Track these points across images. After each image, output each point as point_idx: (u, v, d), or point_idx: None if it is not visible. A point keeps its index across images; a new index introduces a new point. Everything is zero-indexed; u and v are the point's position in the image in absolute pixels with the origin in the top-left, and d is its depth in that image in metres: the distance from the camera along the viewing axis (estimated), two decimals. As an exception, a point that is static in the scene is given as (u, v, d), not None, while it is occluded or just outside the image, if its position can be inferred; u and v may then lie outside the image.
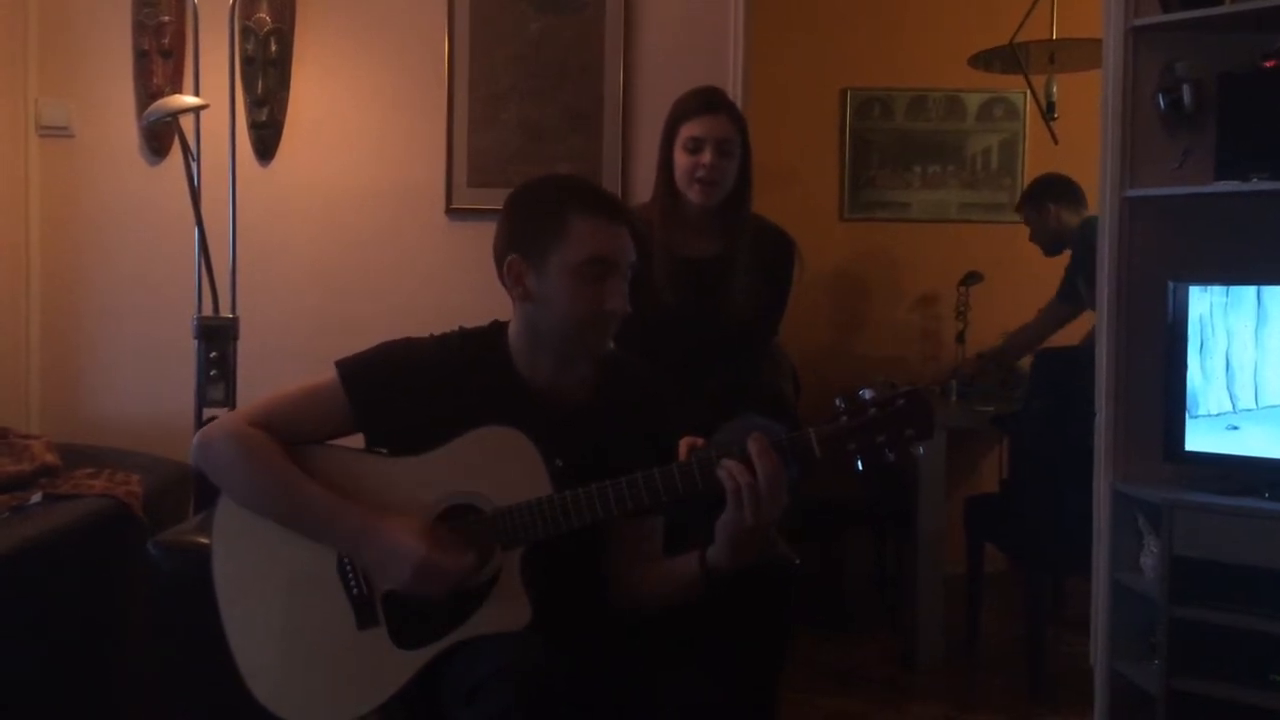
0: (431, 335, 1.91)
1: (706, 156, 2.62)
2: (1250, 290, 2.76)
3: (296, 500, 1.78)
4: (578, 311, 1.78)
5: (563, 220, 1.76)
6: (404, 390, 1.82)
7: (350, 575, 1.77)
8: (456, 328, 1.93)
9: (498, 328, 1.91)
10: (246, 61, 3.42)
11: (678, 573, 1.81)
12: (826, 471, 1.72)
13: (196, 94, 3.22)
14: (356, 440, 1.87)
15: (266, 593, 1.81)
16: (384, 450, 1.84)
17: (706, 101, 2.67)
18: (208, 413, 3.07)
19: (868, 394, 1.67)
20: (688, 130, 2.64)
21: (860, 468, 1.66)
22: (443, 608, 1.73)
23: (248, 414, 1.85)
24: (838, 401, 1.68)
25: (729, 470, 1.66)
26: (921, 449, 1.67)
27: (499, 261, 1.83)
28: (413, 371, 1.83)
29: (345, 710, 1.75)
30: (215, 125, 3.28)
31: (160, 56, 3.46)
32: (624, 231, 1.80)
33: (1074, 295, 4.04)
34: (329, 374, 1.84)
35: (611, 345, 1.91)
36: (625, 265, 1.81)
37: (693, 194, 2.65)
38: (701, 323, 2.64)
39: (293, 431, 1.82)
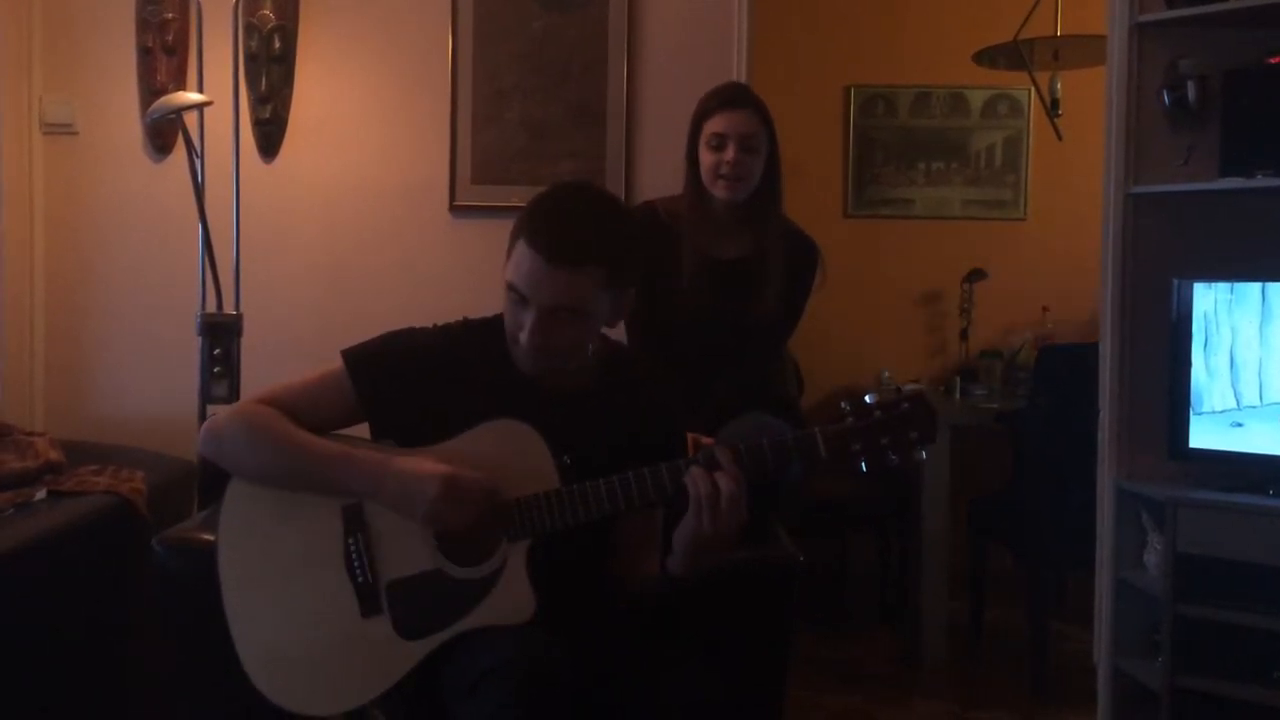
0: (435, 325, 1.92)
1: (729, 153, 2.58)
2: (1255, 287, 2.76)
3: (309, 454, 1.78)
4: (508, 327, 1.80)
5: (515, 239, 1.75)
6: (409, 378, 1.83)
7: (355, 563, 1.77)
8: (461, 318, 1.93)
9: (501, 319, 1.91)
10: (250, 58, 3.42)
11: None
12: (831, 471, 1.73)
13: (200, 91, 3.23)
14: (363, 430, 1.87)
15: (269, 582, 1.81)
16: (391, 441, 1.84)
17: (730, 97, 2.64)
18: (211, 409, 3.08)
19: (872, 398, 1.70)
20: (711, 127, 2.61)
21: (864, 469, 1.68)
22: (446, 598, 1.73)
23: (254, 398, 1.86)
24: (843, 404, 1.71)
25: (693, 477, 1.68)
26: (924, 453, 1.69)
27: None
28: (417, 360, 1.84)
29: (345, 699, 1.76)
30: (219, 122, 3.29)
31: (164, 53, 3.47)
32: (556, 277, 1.71)
33: None
34: (335, 363, 1.85)
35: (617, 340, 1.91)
36: (539, 304, 1.73)
37: (717, 190, 2.62)
38: (723, 323, 2.63)
39: (299, 420, 1.82)
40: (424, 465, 1.73)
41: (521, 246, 1.73)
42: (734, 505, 1.67)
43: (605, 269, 1.74)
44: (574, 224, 1.76)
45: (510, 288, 1.75)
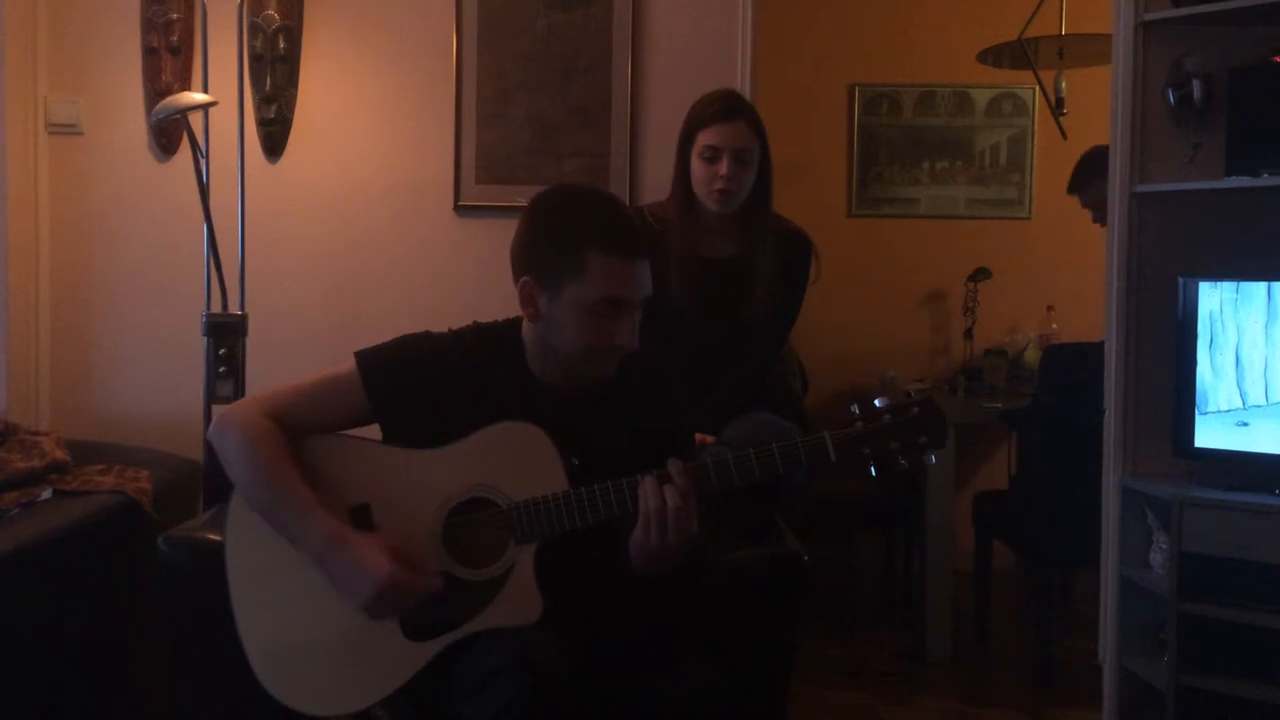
0: (450, 330, 1.91)
1: (723, 167, 2.55)
2: (1260, 286, 2.75)
3: (283, 500, 1.77)
4: (585, 343, 1.78)
5: (581, 256, 1.74)
6: (421, 383, 1.82)
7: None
8: (471, 323, 1.93)
9: (513, 324, 1.91)
10: (255, 58, 3.43)
11: None
12: (838, 469, 1.74)
13: (205, 91, 3.23)
14: (373, 431, 1.87)
15: (278, 582, 1.81)
16: (402, 443, 1.84)
17: (725, 108, 2.59)
18: (216, 409, 3.08)
19: (881, 402, 1.70)
20: (705, 138, 2.57)
21: (874, 473, 1.69)
22: (453, 600, 1.73)
23: (266, 402, 1.84)
24: (853, 407, 1.72)
25: (644, 490, 1.69)
26: (933, 457, 1.70)
27: (514, 274, 1.82)
28: (431, 365, 1.84)
29: (352, 700, 1.76)
30: (224, 122, 3.29)
31: (169, 54, 3.47)
32: (642, 269, 1.78)
33: None
34: (347, 364, 1.84)
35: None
36: (639, 302, 1.80)
37: (709, 203, 2.59)
38: (718, 322, 2.63)
39: (310, 421, 1.83)
40: (371, 555, 1.70)
41: (598, 259, 1.73)
42: (680, 519, 1.68)
43: None
44: (628, 220, 1.84)
45: (601, 303, 1.74)
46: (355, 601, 1.71)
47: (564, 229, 1.78)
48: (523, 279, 1.80)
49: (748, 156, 2.58)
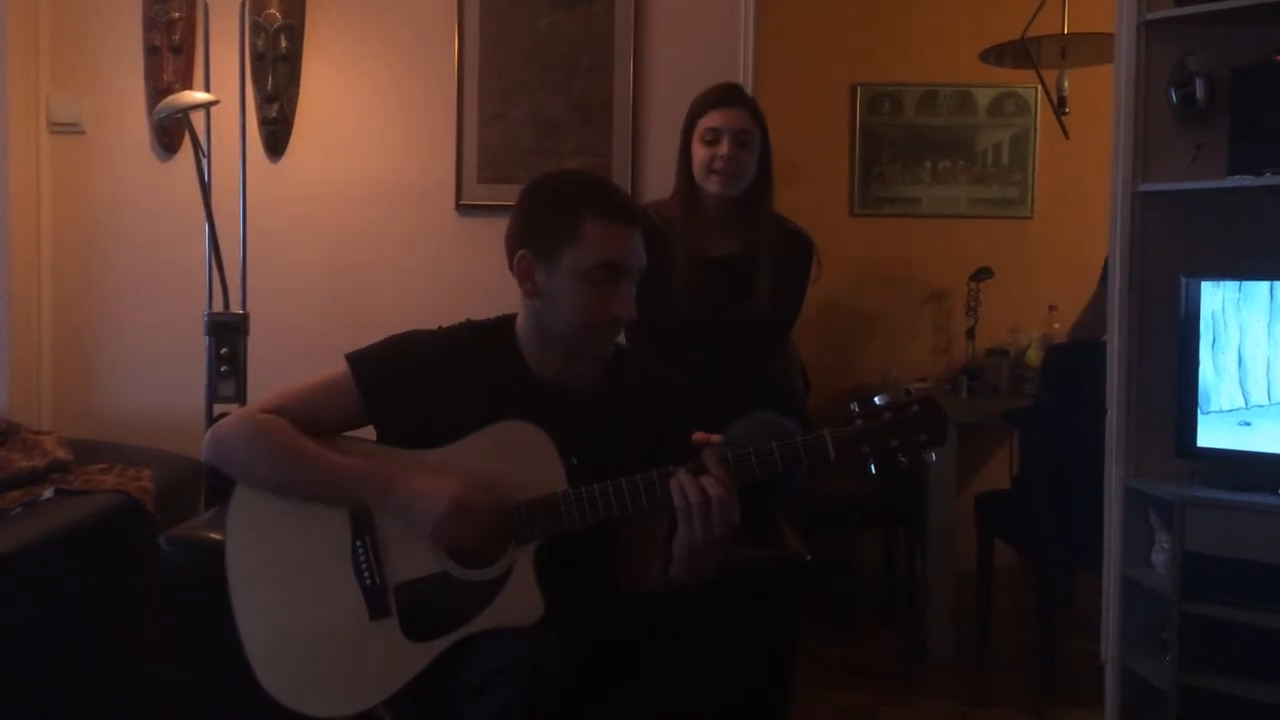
0: (440, 327, 1.91)
1: (724, 148, 2.61)
2: (1263, 285, 2.75)
3: (316, 465, 1.78)
4: (584, 314, 1.79)
5: (577, 222, 1.76)
6: (415, 382, 1.82)
7: (363, 565, 1.77)
8: (464, 320, 1.93)
9: (506, 321, 1.91)
10: (256, 57, 3.43)
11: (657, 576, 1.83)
12: (838, 469, 1.73)
13: (207, 90, 3.23)
14: (368, 433, 1.87)
15: (278, 584, 1.81)
16: (398, 444, 1.84)
17: (724, 95, 2.67)
18: (218, 408, 3.08)
19: (882, 400, 1.70)
20: (706, 122, 2.64)
21: (874, 471, 1.69)
22: (454, 601, 1.73)
23: (259, 406, 1.85)
24: (853, 405, 1.71)
25: (679, 484, 1.68)
26: (934, 455, 1.69)
27: (510, 254, 1.83)
28: (424, 364, 1.84)
29: (353, 701, 1.76)
30: (226, 121, 3.29)
31: (171, 52, 3.47)
32: (637, 235, 1.80)
33: None
34: (340, 367, 1.84)
35: (620, 339, 1.91)
36: (635, 270, 1.81)
37: (710, 185, 2.63)
38: (721, 321, 2.63)
39: (306, 425, 1.82)
40: (432, 484, 1.73)
41: (593, 226, 1.75)
42: (725, 510, 1.67)
43: None
44: (620, 190, 1.89)
45: (598, 268, 1.76)
46: (427, 522, 1.72)
47: (560, 199, 1.80)
48: (519, 253, 1.81)
49: (748, 139, 2.63)
